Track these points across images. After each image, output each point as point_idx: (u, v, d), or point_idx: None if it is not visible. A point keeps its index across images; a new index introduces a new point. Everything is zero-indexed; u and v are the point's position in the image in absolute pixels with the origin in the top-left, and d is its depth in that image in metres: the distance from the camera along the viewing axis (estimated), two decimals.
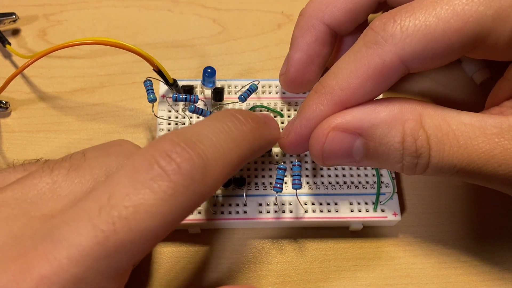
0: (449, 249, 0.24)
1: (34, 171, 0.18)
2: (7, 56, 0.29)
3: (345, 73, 0.19)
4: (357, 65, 0.19)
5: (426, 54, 0.18)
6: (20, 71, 0.24)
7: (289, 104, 0.26)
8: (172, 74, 0.25)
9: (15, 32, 0.30)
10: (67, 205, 0.16)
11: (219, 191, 0.24)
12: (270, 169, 0.24)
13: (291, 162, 0.24)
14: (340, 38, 0.25)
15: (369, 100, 0.19)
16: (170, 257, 0.23)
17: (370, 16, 0.24)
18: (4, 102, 0.27)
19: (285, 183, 0.23)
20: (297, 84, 0.25)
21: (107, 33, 0.30)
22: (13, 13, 0.29)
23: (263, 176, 0.24)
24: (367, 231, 0.24)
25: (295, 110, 0.26)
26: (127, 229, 0.15)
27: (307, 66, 0.24)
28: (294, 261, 0.24)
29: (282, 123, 0.26)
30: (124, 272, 0.16)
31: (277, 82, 0.26)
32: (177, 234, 0.24)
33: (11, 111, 0.27)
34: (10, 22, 0.29)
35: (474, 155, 0.18)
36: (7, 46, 0.28)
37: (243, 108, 0.26)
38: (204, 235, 0.24)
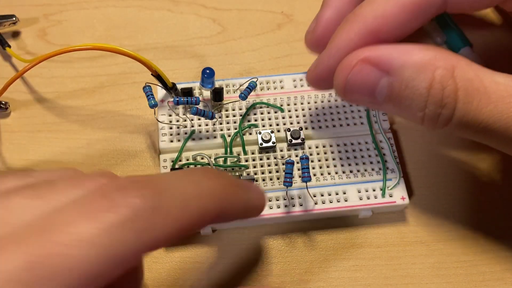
0: (449, 249, 0.24)
1: None
2: (7, 58, 0.29)
3: (382, 1, 0.18)
4: None
5: None
6: (19, 76, 0.24)
7: (289, 99, 0.26)
8: (172, 74, 0.25)
9: (15, 34, 0.30)
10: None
11: None
12: (276, 165, 0.24)
13: (296, 156, 0.25)
14: None
15: (402, 34, 0.19)
16: (181, 259, 0.23)
17: None
18: (4, 102, 0.27)
19: (293, 177, 0.24)
20: (322, 44, 0.23)
21: (107, 33, 0.30)
22: (13, 15, 0.29)
23: (270, 172, 0.24)
24: (369, 226, 0.24)
25: (295, 104, 0.26)
26: (62, 257, 0.13)
27: (336, 27, 0.22)
28: (294, 261, 0.24)
29: (284, 118, 0.26)
30: None
31: (276, 78, 0.27)
32: (189, 235, 0.24)
33: (11, 111, 0.27)
34: (10, 24, 0.29)
35: (503, 114, 0.17)
36: (7, 48, 0.28)
37: (244, 106, 0.26)
38: (215, 236, 0.24)
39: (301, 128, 0.25)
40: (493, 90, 0.18)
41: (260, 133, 0.25)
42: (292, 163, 0.22)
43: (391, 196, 0.24)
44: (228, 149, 0.25)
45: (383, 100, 0.19)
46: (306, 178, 0.22)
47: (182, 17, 0.31)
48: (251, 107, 0.26)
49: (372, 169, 0.24)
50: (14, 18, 0.29)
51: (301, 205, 0.23)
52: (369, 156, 0.25)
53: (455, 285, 0.23)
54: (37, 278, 0.13)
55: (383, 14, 0.18)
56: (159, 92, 0.26)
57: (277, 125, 0.25)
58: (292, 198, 0.24)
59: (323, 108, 0.26)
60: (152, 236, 0.15)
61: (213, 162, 0.24)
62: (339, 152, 0.25)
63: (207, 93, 0.26)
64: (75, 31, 0.30)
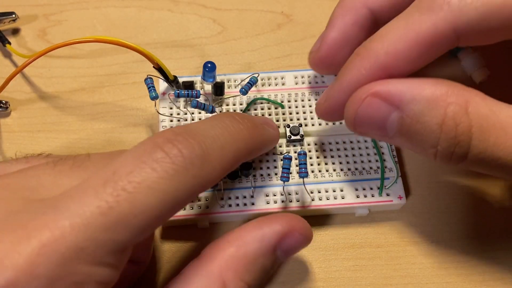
0: (449, 249, 0.24)
1: (39, 164, 0.18)
2: (7, 55, 0.29)
3: (393, 37, 0.18)
4: (407, 29, 0.18)
5: (482, 26, 0.17)
6: (20, 70, 0.24)
7: (290, 95, 0.26)
8: (172, 73, 0.25)
9: (15, 31, 0.30)
10: None
11: (226, 184, 0.24)
12: (275, 160, 0.24)
13: (295, 152, 0.25)
14: (379, 25, 0.25)
15: (413, 69, 0.19)
16: (178, 252, 0.23)
17: None
18: (4, 102, 0.27)
19: (291, 172, 0.24)
20: (326, 64, 0.24)
21: (107, 33, 0.30)
22: (12, 12, 0.29)
23: (268, 168, 0.24)
24: (369, 226, 0.24)
25: (295, 101, 0.26)
26: (129, 202, 0.15)
27: (341, 47, 0.23)
28: (294, 261, 0.24)
29: (284, 114, 0.26)
30: (123, 250, 0.16)
31: (277, 74, 0.27)
32: (187, 229, 0.24)
33: (11, 111, 0.27)
34: (9, 21, 0.29)
35: None
36: (7, 45, 0.28)
37: (244, 101, 0.26)
38: (212, 229, 0.24)
39: (300, 125, 0.25)
40: (509, 124, 0.17)
41: None
42: (290, 159, 0.22)
43: (388, 195, 0.24)
44: None
45: (394, 134, 0.19)
46: (303, 174, 0.22)
47: (182, 17, 0.31)
48: (252, 103, 0.26)
49: (370, 168, 0.24)
50: (13, 15, 0.29)
51: (298, 201, 0.23)
52: (368, 154, 0.25)
53: (455, 285, 0.23)
54: (109, 225, 0.15)
55: (394, 51, 0.18)
56: (161, 85, 0.26)
57: (277, 121, 0.26)
58: (290, 194, 0.24)
59: None
60: (201, 179, 0.17)
61: None
62: (338, 149, 0.25)
63: (208, 87, 0.26)
64: (75, 31, 0.30)
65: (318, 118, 0.25)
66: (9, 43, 0.28)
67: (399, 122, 0.18)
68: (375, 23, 0.23)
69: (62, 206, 0.15)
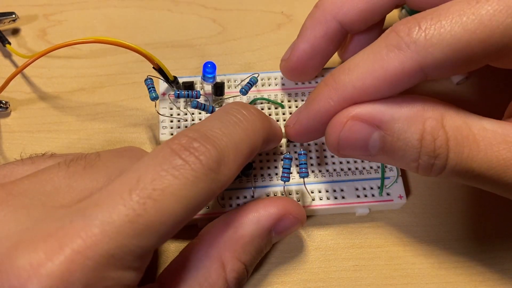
0: (449, 249, 0.24)
1: (51, 166, 0.18)
2: (7, 55, 0.29)
3: (361, 72, 0.19)
4: (375, 65, 0.18)
5: (448, 63, 0.18)
6: (20, 70, 0.24)
7: (290, 95, 0.26)
8: (172, 73, 0.25)
9: (15, 31, 0.30)
10: (85, 198, 0.17)
11: None
12: (275, 160, 0.24)
13: (295, 152, 0.25)
14: (351, 35, 0.25)
15: (384, 97, 0.19)
16: (178, 252, 0.23)
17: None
18: (4, 102, 0.27)
19: (291, 172, 0.24)
20: (296, 73, 0.25)
21: (107, 33, 0.30)
22: (12, 13, 0.29)
23: (268, 168, 0.24)
24: (369, 226, 0.24)
25: (295, 101, 0.26)
26: (156, 210, 0.16)
27: (310, 59, 0.24)
28: (294, 261, 0.24)
29: (284, 114, 0.26)
30: (148, 254, 0.17)
31: (277, 74, 0.27)
32: (187, 229, 0.24)
33: (11, 111, 0.27)
34: (9, 21, 0.29)
35: (494, 161, 0.18)
36: (7, 45, 0.28)
37: (244, 101, 0.26)
38: None
39: None
40: (481, 137, 0.18)
41: None
42: (290, 159, 0.22)
43: (388, 195, 0.24)
44: None
45: (377, 153, 0.19)
46: (303, 173, 0.22)
47: (182, 17, 0.31)
48: (252, 103, 0.26)
49: (371, 167, 0.24)
50: (13, 15, 0.29)
51: (298, 201, 0.24)
52: None
53: (455, 285, 0.23)
54: (138, 232, 0.15)
55: (362, 85, 0.19)
56: (161, 86, 0.26)
57: (277, 121, 0.26)
58: (290, 194, 0.24)
59: None
60: (220, 182, 0.18)
61: None
62: None
63: (208, 88, 0.26)
64: (75, 31, 0.30)
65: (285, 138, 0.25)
66: (9, 43, 0.28)
67: (381, 141, 0.19)
68: (345, 34, 0.24)
69: (91, 214, 0.15)
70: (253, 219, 0.20)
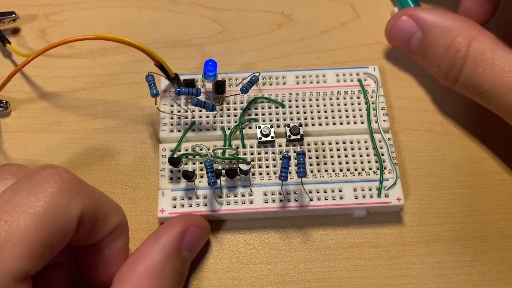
0: (449, 249, 0.24)
1: None
2: (7, 55, 0.29)
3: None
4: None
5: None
6: (20, 68, 0.24)
7: (290, 95, 0.26)
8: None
9: (15, 31, 0.30)
10: None
11: (224, 183, 0.24)
12: (274, 160, 0.24)
13: (294, 152, 0.25)
14: None
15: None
16: None
17: None
18: (4, 102, 0.27)
19: (290, 172, 0.24)
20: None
21: (107, 33, 0.30)
22: (12, 12, 0.29)
23: (267, 167, 0.24)
24: (368, 226, 0.24)
25: (296, 101, 0.26)
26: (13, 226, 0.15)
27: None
28: (294, 261, 0.24)
29: (284, 113, 0.26)
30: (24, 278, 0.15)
31: (278, 74, 0.27)
32: None
33: (11, 111, 0.27)
34: (9, 21, 0.29)
35: (500, 83, 0.21)
36: (7, 45, 0.28)
37: (245, 100, 0.26)
38: (211, 228, 0.24)
39: (300, 125, 0.25)
40: (498, 63, 0.22)
41: (259, 127, 0.25)
42: (289, 158, 0.22)
43: (387, 197, 0.24)
44: (227, 141, 0.25)
45: (416, 50, 0.24)
46: (301, 173, 0.22)
47: (182, 17, 0.31)
48: (252, 101, 0.26)
49: (370, 169, 0.24)
50: (13, 15, 0.29)
51: (296, 201, 0.23)
52: (367, 155, 0.25)
53: (455, 285, 0.23)
54: None
55: None
56: (162, 83, 0.26)
57: (277, 120, 0.26)
58: (288, 193, 0.24)
59: (324, 105, 0.26)
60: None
61: (212, 153, 0.24)
62: (337, 150, 0.25)
63: (209, 86, 0.26)
64: (75, 31, 0.30)
65: (319, 118, 0.26)
66: (9, 42, 0.28)
67: (420, 40, 0.24)
68: None
69: None
70: (158, 246, 0.20)
